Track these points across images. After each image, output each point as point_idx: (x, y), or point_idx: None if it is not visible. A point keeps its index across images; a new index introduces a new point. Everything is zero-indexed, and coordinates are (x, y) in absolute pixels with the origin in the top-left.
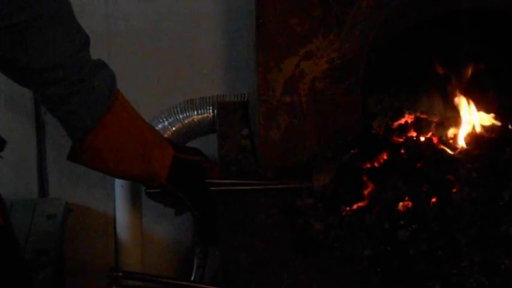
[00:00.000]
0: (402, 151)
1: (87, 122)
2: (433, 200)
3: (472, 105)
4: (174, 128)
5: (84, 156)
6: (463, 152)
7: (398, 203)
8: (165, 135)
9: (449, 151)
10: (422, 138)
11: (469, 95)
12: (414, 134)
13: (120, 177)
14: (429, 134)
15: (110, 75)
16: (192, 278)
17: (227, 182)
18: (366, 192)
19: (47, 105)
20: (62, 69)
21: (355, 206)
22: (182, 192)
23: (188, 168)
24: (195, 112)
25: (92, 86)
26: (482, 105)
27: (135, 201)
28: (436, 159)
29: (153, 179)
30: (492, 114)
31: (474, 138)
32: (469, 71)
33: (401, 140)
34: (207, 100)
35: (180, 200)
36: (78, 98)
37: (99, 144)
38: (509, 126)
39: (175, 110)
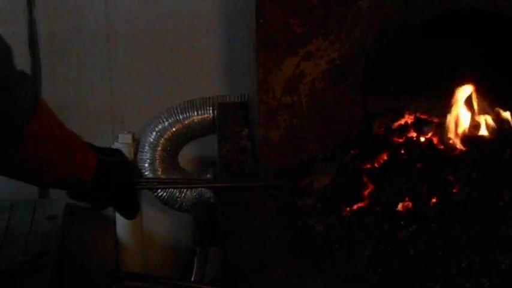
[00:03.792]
0: (402, 151)
1: (13, 129)
2: (433, 200)
3: (473, 106)
4: (174, 129)
5: (14, 164)
6: (463, 152)
7: (398, 204)
8: (166, 136)
9: (449, 152)
10: (422, 139)
11: (470, 96)
12: (414, 134)
13: (46, 186)
14: (429, 135)
15: (33, 85)
16: (193, 279)
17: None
18: (366, 192)
19: None
20: None
21: (355, 207)
22: (108, 194)
23: (112, 169)
24: (195, 113)
25: (16, 96)
26: (483, 105)
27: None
28: (436, 160)
29: (79, 184)
30: (492, 115)
31: (474, 139)
32: (470, 73)
33: (401, 140)
34: (207, 101)
35: (103, 201)
36: (2, 107)
37: (25, 154)
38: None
39: (175, 111)
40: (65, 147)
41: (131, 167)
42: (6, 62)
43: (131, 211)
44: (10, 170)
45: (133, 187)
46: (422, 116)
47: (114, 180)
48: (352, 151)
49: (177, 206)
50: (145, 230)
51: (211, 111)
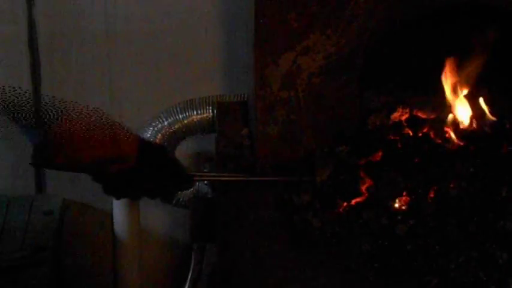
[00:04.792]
0: (399, 146)
1: (51, 111)
2: (431, 195)
3: (470, 101)
4: (173, 128)
5: (50, 149)
6: (461, 147)
7: (395, 199)
8: (165, 135)
9: (446, 146)
10: (419, 134)
11: (466, 91)
12: (410, 130)
13: (89, 165)
14: (426, 130)
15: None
16: (190, 274)
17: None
18: (363, 187)
19: (6, 115)
20: None
21: (352, 202)
22: (151, 173)
23: (154, 151)
24: (195, 112)
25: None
26: (480, 100)
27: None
28: (433, 155)
29: (123, 160)
30: (489, 110)
31: (471, 134)
32: (466, 67)
33: (397, 136)
34: (207, 100)
35: (143, 186)
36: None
37: (65, 129)
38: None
39: (175, 110)
40: (108, 124)
41: (173, 156)
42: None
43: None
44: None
45: (185, 175)
46: (418, 113)
47: (154, 162)
48: (349, 146)
49: (174, 201)
50: (142, 225)
51: (210, 111)
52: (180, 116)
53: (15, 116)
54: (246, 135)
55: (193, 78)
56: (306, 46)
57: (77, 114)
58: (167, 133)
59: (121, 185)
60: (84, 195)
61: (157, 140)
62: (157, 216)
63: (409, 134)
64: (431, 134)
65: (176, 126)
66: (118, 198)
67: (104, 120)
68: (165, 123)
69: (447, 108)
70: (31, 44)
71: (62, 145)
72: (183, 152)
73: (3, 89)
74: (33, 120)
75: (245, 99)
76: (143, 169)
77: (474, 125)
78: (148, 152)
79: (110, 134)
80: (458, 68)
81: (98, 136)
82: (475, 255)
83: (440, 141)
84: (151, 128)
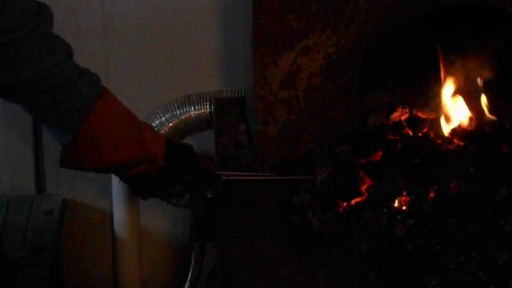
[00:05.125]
0: (399, 146)
1: (78, 113)
2: (431, 195)
3: (470, 101)
4: (171, 124)
5: (79, 152)
6: (460, 147)
7: (395, 199)
8: (162, 131)
9: (446, 146)
10: (419, 134)
11: (465, 91)
12: (409, 130)
13: (119, 167)
14: (425, 130)
15: (94, 77)
16: (190, 274)
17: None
18: (363, 187)
19: (35, 115)
20: (47, 80)
21: (352, 202)
22: (180, 172)
23: (181, 151)
24: (192, 108)
25: (77, 89)
26: (478, 100)
27: (132, 197)
28: (433, 155)
29: (151, 161)
30: (489, 110)
31: (471, 134)
32: (466, 67)
33: (397, 136)
34: (204, 96)
35: (172, 185)
36: (64, 104)
37: (94, 131)
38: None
39: (172, 106)
40: (135, 124)
41: (200, 155)
42: (64, 63)
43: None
44: (82, 153)
45: (212, 174)
46: (418, 113)
47: (181, 162)
48: (349, 146)
49: (174, 201)
50: (142, 225)
51: (208, 107)
52: (178, 112)
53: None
54: (244, 131)
55: (191, 74)
56: (306, 46)
57: (105, 116)
58: (167, 132)
59: (148, 185)
60: (84, 195)
61: None
62: (157, 216)
63: (409, 134)
64: (431, 134)
65: (173, 122)
66: (145, 198)
67: (132, 121)
68: (163, 119)
69: (447, 108)
70: None
71: (91, 147)
72: None
73: None
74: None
75: (243, 95)
76: (171, 169)
77: (474, 125)
78: (175, 152)
79: (137, 135)
80: (458, 68)
81: (126, 137)
82: (475, 255)
83: (440, 141)
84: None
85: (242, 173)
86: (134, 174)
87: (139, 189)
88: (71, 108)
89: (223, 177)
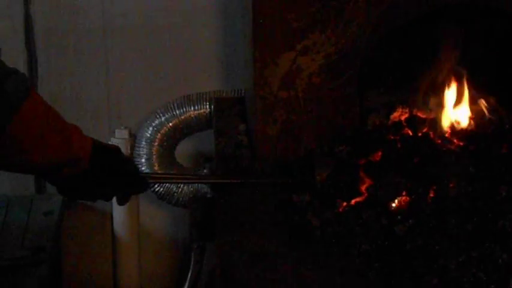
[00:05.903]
0: (399, 146)
1: (4, 113)
2: (430, 195)
3: (469, 101)
4: (170, 124)
5: (3, 151)
6: (460, 147)
7: (395, 199)
8: (162, 131)
9: (446, 146)
10: (419, 134)
11: (465, 90)
12: (409, 130)
13: (43, 168)
14: (425, 130)
15: (22, 77)
16: (189, 274)
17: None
18: (363, 187)
19: None
20: None
21: (352, 202)
22: (105, 176)
23: (107, 153)
24: (192, 108)
25: (4, 89)
26: (479, 100)
27: (132, 197)
28: (433, 155)
29: (76, 163)
30: (489, 110)
31: (471, 134)
32: (465, 67)
33: (397, 136)
34: (204, 96)
35: (98, 188)
36: None
37: (19, 131)
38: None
39: (172, 106)
40: (61, 127)
41: (127, 157)
42: None
43: (123, 199)
44: (9, 152)
45: (139, 177)
46: (418, 113)
47: (107, 165)
48: (349, 146)
49: (173, 201)
50: (141, 225)
51: (207, 106)
52: (177, 112)
53: None
54: (243, 131)
55: (191, 74)
56: (305, 46)
57: (31, 116)
58: (166, 133)
59: (74, 187)
60: None
61: (156, 140)
62: (157, 216)
63: (408, 133)
64: (431, 134)
65: (173, 122)
66: (73, 199)
67: (58, 122)
68: (162, 119)
69: (447, 108)
70: (28, 39)
71: (15, 147)
72: (183, 151)
73: None
74: None
75: (242, 94)
76: (96, 172)
77: (474, 125)
78: (101, 154)
79: (62, 137)
80: (458, 68)
81: (51, 139)
82: (475, 255)
83: (440, 141)
84: (150, 128)
85: (177, 175)
86: (59, 176)
87: (66, 190)
88: None
89: (150, 180)
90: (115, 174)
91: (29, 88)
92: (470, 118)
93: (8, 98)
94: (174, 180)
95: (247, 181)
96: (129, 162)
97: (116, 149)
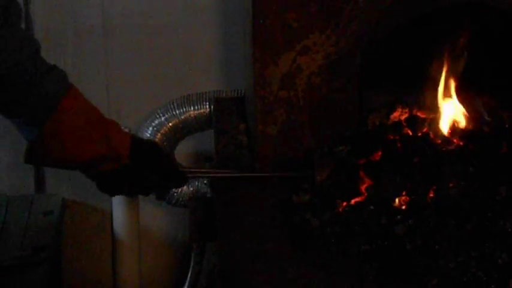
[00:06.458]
0: (399, 146)
1: (45, 109)
2: (430, 195)
3: (468, 101)
4: (170, 124)
5: (44, 147)
6: (460, 147)
7: (395, 198)
8: (162, 131)
9: (445, 146)
10: (418, 134)
11: (464, 91)
12: (409, 130)
13: (83, 164)
14: (425, 129)
15: (62, 73)
16: (189, 274)
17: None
18: (362, 187)
19: (1, 110)
20: (14, 75)
21: (352, 202)
22: (145, 171)
23: (147, 149)
24: (192, 108)
25: (43, 86)
26: (478, 100)
27: (132, 197)
28: (432, 154)
29: (116, 159)
30: (488, 109)
31: (470, 133)
32: (464, 66)
33: (397, 135)
34: (204, 96)
35: (137, 184)
36: (31, 99)
37: (59, 127)
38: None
39: (172, 106)
40: (100, 121)
41: (166, 152)
42: (33, 58)
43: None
44: (47, 148)
45: (178, 172)
46: (418, 113)
47: (147, 159)
48: (348, 146)
49: (173, 201)
50: (141, 225)
51: (207, 106)
52: (177, 112)
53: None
54: (243, 131)
55: (191, 74)
56: (305, 46)
57: (70, 113)
58: (166, 133)
59: (114, 182)
60: (84, 195)
61: (157, 140)
62: (157, 216)
63: (408, 133)
64: (431, 134)
65: (173, 122)
66: (112, 195)
67: (97, 118)
68: (162, 118)
69: (446, 108)
70: None
71: (56, 143)
72: (183, 151)
73: None
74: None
75: (242, 94)
76: (136, 167)
77: (473, 125)
78: (141, 149)
79: (102, 133)
80: (458, 68)
81: (91, 135)
82: (475, 255)
83: (439, 141)
84: (150, 128)
85: (212, 170)
86: (99, 172)
87: (106, 186)
88: (38, 104)
89: (189, 175)
90: (154, 169)
91: (69, 84)
92: (470, 118)
93: (48, 94)
94: (212, 175)
95: (282, 176)
96: (168, 157)
97: (155, 144)
